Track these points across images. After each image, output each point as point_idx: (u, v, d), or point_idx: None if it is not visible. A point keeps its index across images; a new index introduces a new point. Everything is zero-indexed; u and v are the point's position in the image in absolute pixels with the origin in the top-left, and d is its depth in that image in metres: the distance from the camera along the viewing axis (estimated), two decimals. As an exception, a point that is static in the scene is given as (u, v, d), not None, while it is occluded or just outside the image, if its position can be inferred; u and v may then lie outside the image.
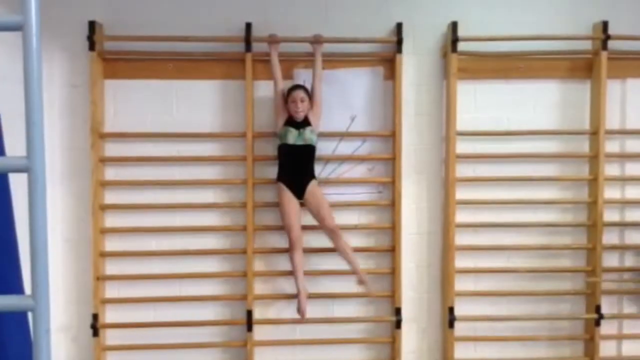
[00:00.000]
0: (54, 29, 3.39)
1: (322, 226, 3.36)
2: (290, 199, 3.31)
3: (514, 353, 3.65)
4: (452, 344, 3.54)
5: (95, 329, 3.43)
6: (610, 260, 3.61)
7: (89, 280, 3.45)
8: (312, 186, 3.33)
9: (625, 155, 3.66)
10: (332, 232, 3.34)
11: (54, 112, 3.47)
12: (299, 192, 3.32)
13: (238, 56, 3.47)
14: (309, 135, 3.30)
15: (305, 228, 3.42)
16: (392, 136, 3.54)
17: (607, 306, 3.59)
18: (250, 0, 3.51)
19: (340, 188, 3.56)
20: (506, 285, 3.62)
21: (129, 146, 3.52)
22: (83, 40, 3.38)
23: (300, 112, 3.29)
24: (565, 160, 3.65)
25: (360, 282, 3.39)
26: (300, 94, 3.29)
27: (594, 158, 3.56)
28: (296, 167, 3.33)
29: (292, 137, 3.29)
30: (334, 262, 3.57)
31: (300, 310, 3.32)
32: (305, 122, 3.32)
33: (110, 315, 3.54)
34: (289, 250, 3.34)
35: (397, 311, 3.55)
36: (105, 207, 3.50)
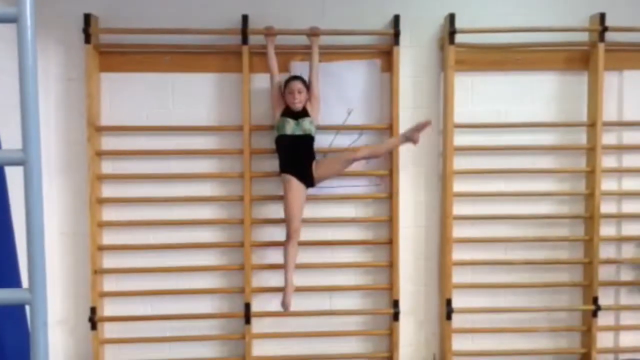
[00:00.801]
0: (49, 22, 3.37)
1: (353, 161, 3.30)
2: (297, 189, 3.26)
3: (511, 345, 3.66)
4: (450, 336, 3.55)
5: (93, 322, 3.43)
6: (607, 252, 3.62)
7: (87, 273, 3.45)
8: (315, 165, 3.30)
9: (623, 147, 3.66)
10: (357, 153, 3.27)
11: (49, 105, 3.45)
12: (307, 179, 3.29)
13: (234, 49, 3.45)
14: (307, 126, 3.28)
15: (305, 221, 3.40)
16: (389, 129, 3.53)
17: (605, 297, 3.60)
18: (247, -7, 3.50)
19: (338, 181, 3.54)
20: (504, 277, 3.63)
21: (126, 139, 3.51)
22: (79, 33, 3.36)
23: (297, 104, 3.27)
24: (562, 152, 3.65)
25: (418, 130, 3.23)
26: (297, 85, 3.28)
27: (591, 150, 3.56)
28: (297, 157, 3.30)
29: (290, 127, 3.27)
30: (332, 255, 3.59)
31: (285, 303, 3.25)
32: (304, 113, 3.30)
33: (108, 308, 3.54)
34: (285, 242, 3.30)
35: (395, 304, 3.56)
36: (102, 201, 3.49)
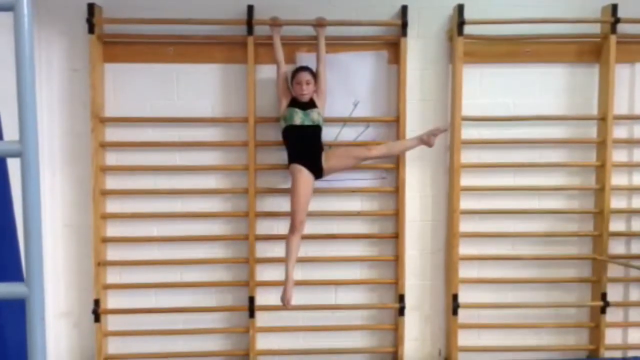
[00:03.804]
0: (52, 12, 3.36)
1: (366, 159, 3.37)
2: (306, 181, 3.21)
3: (518, 341, 3.62)
4: (456, 331, 3.52)
5: (96, 315, 3.42)
6: (617, 247, 3.58)
7: (90, 266, 3.43)
8: (324, 157, 3.28)
9: (634, 141, 3.60)
10: (372, 152, 3.31)
11: (53, 96, 3.43)
12: (316, 170, 3.26)
13: (240, 39, 3.42)
14: (316, 117, 3.25)
15: (310, 214, 3.34)
16: (396, 121, 3.48)
17: (613, 294, 3.56)
18: (252, -17, 3.45)
19: (344, 174, 3.50)
20: (511, 273, 3.59)
21: (130, 131, 3.48)
22: (82, 23, 3.33)
23: (305, 95, 3.23)
24: (572, 146, 3.60)
25: (435, 135, 3.33)
26: (306, 76, 3.24)
27: (601, 144, 3.51)
28: (307, 147, 3.26)
29: (299, 118, 3.23)
30: (337, 249, 3.56)
31: (285, 298, 3.18)
32: (311, 104, 3.27)
33: (111, 301, 3.53)
34: (288, 234, 3.22)
35: (401, 298, 3.53)
36: (106, 193, 3.47)
